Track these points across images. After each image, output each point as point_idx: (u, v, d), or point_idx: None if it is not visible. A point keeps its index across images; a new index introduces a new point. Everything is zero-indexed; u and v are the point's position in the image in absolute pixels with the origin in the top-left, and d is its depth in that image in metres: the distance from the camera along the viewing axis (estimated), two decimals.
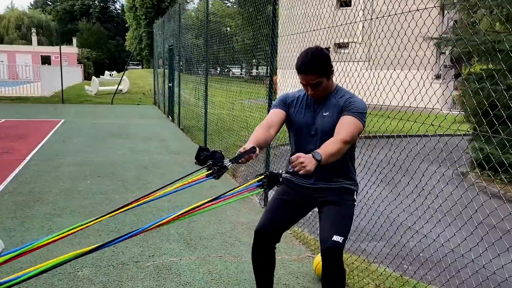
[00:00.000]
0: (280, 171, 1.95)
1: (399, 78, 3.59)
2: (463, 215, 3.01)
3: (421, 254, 3.79)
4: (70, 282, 3.10)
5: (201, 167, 2.01)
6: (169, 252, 3.65)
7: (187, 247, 3.79)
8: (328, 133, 2.36)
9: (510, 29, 9.20)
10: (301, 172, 1.92)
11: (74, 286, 3.05)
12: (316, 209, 2.62)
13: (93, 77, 23.44)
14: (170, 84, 13.24)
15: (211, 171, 1.97)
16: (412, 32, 3.44)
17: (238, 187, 1.82)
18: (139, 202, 1.70)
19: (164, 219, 1.55)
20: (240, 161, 2.04)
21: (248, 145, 2.12)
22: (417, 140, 3.50)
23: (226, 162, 1.98)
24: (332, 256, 2.32)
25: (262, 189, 1.88)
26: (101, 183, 5.72)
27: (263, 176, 1.88)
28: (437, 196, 3.18)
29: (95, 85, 21.40)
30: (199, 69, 11.22)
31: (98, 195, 5.17)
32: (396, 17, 3.57)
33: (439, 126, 3.17)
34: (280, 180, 1.93)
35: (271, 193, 2.72)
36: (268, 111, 4.86)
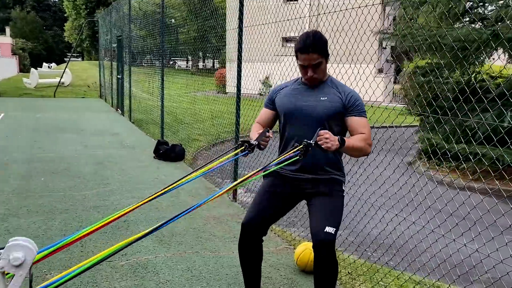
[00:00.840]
0: (311, 141, 2.10)
1: (346, 73, 3.65)
2: (439, 205, 3.10)
3: (384, 241, 3.89)
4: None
5: (233, 147, 2.30)
6: (142, 250, 3.49)
7: (161, 244, 3.64)
8: (324, 116, 2.38)
9: (452, 24, 9.69)
10: (323, 146, 2.10)
11: None
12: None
13: (32, 69, 22.09)
14: (119, 76, 12.75)
15: (243, 147, 2.18)
16: (362, 27, 3.52)
17: (280, 157, 2.06)
18: (183, 181, 1.67)
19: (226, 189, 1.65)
20: (261, 144, 2.25)
21: (259, 130, 2.36)
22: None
23: (252, 141, 2.22)
24: (325, 248, 2.29)
25: (298, 157, 2.05)
26: (56, 180, 5.38)
27: (301, 146, 2.05)
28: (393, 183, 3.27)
29: (34, 78, 20.19)
30: (153, 61, 10.92)
31: (55, 193, 4.86)
32: (342, 12, 3.64)
33: (388, 116, 3.26)
34: (310, 149, 2.08)
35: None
36: (237, 103, 4.78)
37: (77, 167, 6.06)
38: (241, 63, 4.69)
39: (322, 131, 2.15)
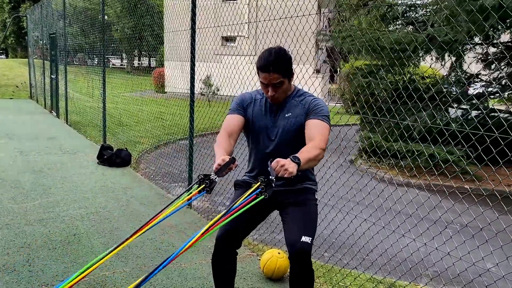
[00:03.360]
0: (270, 177, 1.90)
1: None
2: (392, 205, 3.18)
3: (345, 242, 3.96)
4: None
5: (191, 185, 1.98)
6: (98, 266, 3.25)
7: (117, 258, 3.42)
8: (290, 134, 2.35)
9: (387, 27, 10.08)
10: (285, 175, 1.89)
11: None
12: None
13: None
14: (53, 76, 12.00)
15: (203, 185, 1.91)
16: (303, 28, 3.60)
17: (240, 198, 1.82)
18: (139, 234, 1.52)
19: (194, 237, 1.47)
20: (224, 173, 1.98)
21: (225, 157, 2.01)
22: None
23: (213, 176, 1.93)
24: (302, 258, 2.24)
25: (263, 196, 1.85)
26: None
27: (259, 184, 1.87)
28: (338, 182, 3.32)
29: None
30: (90, 59, 10.41)
31: None
32: (280, 14, 3.71)
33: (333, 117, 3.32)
34: (273, 186, 1.90)
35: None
36: (190, 106, 4.64)
37: (14, 176, 5.59)
38: (194, 64, 4.55)
39: (273, 164, 1.93)
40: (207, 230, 1.56)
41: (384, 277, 3.40)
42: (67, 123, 10.56)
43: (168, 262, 1.40)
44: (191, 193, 1.92)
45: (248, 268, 3.37)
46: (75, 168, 6.20)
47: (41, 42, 14.56)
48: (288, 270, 3.23)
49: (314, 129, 2.23)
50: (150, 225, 1.62)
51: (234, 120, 2.38)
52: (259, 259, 3.53)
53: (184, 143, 9.58)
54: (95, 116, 10.03)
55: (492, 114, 8.37)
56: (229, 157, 2.01)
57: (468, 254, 2.71)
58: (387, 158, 7.93)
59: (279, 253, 3.21)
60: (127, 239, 1.49)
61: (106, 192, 5.11)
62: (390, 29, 9.92)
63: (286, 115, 2.34)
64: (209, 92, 16.37)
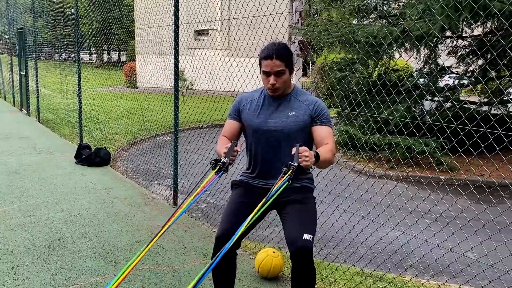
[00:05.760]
0: (295, 163, 2.06)
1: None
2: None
3: (334, 237, 3.97)
4: None
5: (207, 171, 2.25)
6: (87, 271, 3.15)
7: (106, 262, 3.32)
8: (295, 133, 2.37)
9: (361, 20, 10.16)
10: (302, 164, 2.05)
11: None
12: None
13: None
14: (22, 73, 11.58)
15: (218, 167, 2.10)
16: (279, 20, 3.59)
17: (275, 185, 2.00)
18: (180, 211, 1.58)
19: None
20: (230, 158, 2.16)
21: (227, 144, 2.24)
22: None
23: (223, 159, 2.13)
24: (304, 256, 2.23)
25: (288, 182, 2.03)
26: None
27: (291, 171, 2.03)
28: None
29: None
30: (61, 55, 10.12)
31: None
32: (254, 8, 3.72)
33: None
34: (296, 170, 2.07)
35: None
36: (175, 103, 4.55)
37: None
38: (178, 61, 4.45)
39: (301, 148, 2.10)
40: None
41: (372, 271, 3.42)
42: (39, 121, 10.22)
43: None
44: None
45: (241, 268, 3.33)
46: (52, 168, 6.00)
47: (6, 37, 14.01)
48: (283, 269, 3.22)
49: (325, 134, 2.34)
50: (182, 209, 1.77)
51: (230, 126, 2.51)
52: (252, 258, 3.49)
53: (161, 139, 9.44)
54: (68, 113, 9.75)
55: (464, 106, 8.57)
56: (231, 142, 2.24)
57: (458, 246, 2.76)
58: (364, 151, 8.01)
59: (274, 252, 3.18)
60: (156, 235, 1.59)
61: (87, 193, 4.96)
62: (365, 23, 9.99)
63: (290, 113, 2.37)
64: (183, 87, 16.15)
